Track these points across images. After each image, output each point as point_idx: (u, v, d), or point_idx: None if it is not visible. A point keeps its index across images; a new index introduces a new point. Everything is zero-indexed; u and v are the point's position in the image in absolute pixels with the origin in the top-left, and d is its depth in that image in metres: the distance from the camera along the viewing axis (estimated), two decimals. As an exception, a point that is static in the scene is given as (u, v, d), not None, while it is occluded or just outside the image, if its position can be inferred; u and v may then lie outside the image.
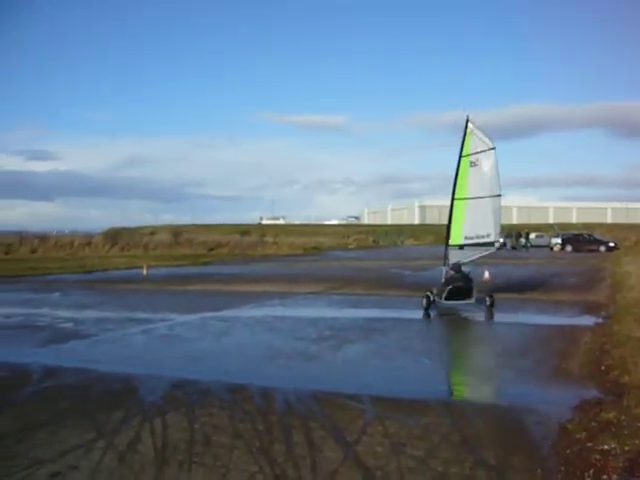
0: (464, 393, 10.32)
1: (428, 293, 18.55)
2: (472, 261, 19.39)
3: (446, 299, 18.30)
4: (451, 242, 19.20)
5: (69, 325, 16.05)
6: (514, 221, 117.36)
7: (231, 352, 13.02)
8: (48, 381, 10.00)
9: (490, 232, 18.81)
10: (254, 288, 26.36)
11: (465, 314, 17.89)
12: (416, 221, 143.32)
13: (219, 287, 27.35)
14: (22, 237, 69.00)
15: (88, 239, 73.41)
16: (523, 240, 64.79)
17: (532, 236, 71.13)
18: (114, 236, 76.67)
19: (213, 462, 6.38)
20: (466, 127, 18.78)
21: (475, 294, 18.53)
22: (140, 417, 7.92)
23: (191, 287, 27.26)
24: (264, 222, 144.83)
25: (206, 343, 13.69)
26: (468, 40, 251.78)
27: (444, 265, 19.31)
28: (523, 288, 24.08)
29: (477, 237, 18.92)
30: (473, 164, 18.68)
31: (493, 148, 18.66)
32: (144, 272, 35.35)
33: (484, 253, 19.28)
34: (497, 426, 7.68)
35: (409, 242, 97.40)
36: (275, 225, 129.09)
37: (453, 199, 19.05)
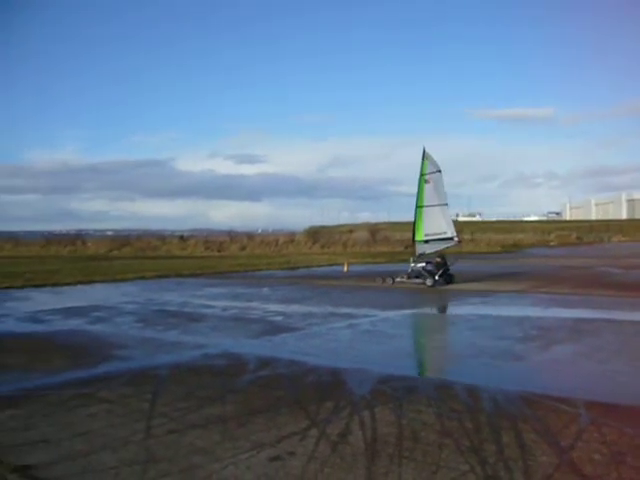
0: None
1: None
2: (436, 251, 26.60)
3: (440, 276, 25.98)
4: (416, 238, 26.81)
5: (279, 319, 16.92)
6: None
7: (436, 350, 12.99)
8: (263, 370, 10.63)
9: (445, 230, 26.55)
10: (451, 286, 26.08)
11: None
12: (623, 216, 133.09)
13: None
14: (232, 235, 74.06)
15: (291, 237, 77.01)
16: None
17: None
18: (315, 234, 79.56)
19: (423, 458, 6.40)
20: (423, 155, 26.82)
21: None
22: (349, 409, 8.14)
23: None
24: (460, 219, 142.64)
25: (410, 339, 13.77)
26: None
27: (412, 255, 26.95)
28: None
29: (435, 234, 26.53)
30: (427, 181, 26.67)
31: (440, 171, 26.79)
32: (345, 269, 36.35)
33: (445, 245, 26.84)
34: None
35: (616, 238, 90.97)
36: (471, 222, 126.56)
37: (416, 207, 26.81)
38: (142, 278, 30.76)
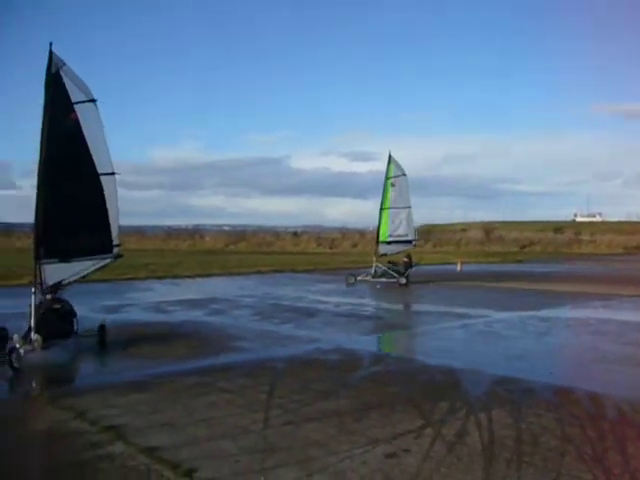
0: None
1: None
2: (397, 252, 27.65)
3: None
4: (380, 239, 27.61)
5: (390, 316, 16.95)
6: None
7: (553, 353, 12.58)
8: (376, 367, 10.68)
9: (407, 233, 27.96)
10: (569, 288, 25.19)
11: None
12: None
13: (533, 285, 26.64)
14: (344, 232, 74.58)
15: (403, 235, 76.53)
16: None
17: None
18: (427, 233, 78.82)
19: (543, 464, 6.22)
20: (389, 159, 27.58)
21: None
22: (465, 410, 8.03)
23: (504, 284, 26.92)
24: (578, 219, 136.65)
25: (526, 342, 13.39)
26: None
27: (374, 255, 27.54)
28: None
29: (398, 236, 27.67)
30: (392, 185, 27.49)
31: (404, 174, 27.92)
32: (458, 268, 35.82)
33: (405, 248, 27.99)
34: None
35: None
36: (590, 222, 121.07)
37: (381, 209, 27.68)
38: (258, 272, 31.58)
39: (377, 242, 27.88)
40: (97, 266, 12.01)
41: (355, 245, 67.98)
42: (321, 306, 19.00)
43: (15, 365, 9.96)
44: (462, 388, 9.22)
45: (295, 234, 79.49)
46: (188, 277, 29.23)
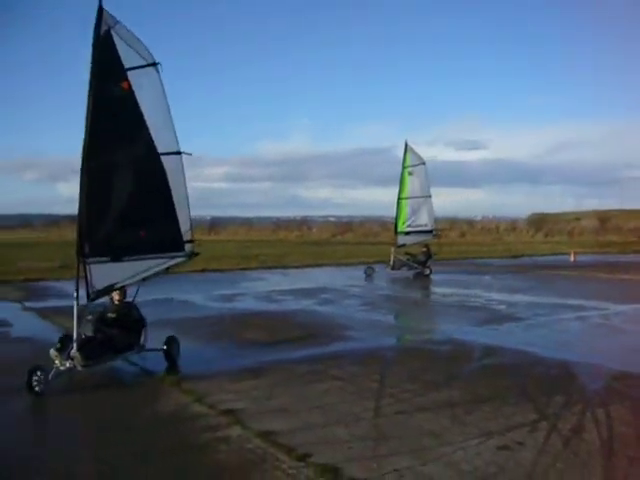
0: None
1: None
2: (417, 242, 26.81)
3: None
4: (398, 230, 26.88)
5: (502, 307, 16.59)
6: None
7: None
8: (488, 359, 10.53)
9: (426, 222, 27.20)
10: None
11: None
12: None
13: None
14: (452, 222, 73.46)
15: (512, 225, 74.61)
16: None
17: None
18: (537, 222, 76.32)
19: (668, 463, 5.98)
20: (406, 147, 27.16)
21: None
22: (581, 405, 7.80)
23: (621, 276, 25.72)
24: None
25: (647, 336, 12.80)
26: None
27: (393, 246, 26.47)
28: None
29: (417, 226, 26.99)
30: (410, 174, 27.01)
31: (424, 163, 27.38)
32: (571, 258, 34.57)
33: (424, 238, 27.18)
34: None
35: None
36: None
37: (399, 199, 26.98)
38: (364, 263, 31.69)
39: (395, 233, 27.21)
40: (163, 267, 10.01)
41: (463, 235, 66.89)
42: (430, 296, 18.88)
43: (37, 389, 8.27)
44: (578, 382, 8.96)
45: (402, 224, 78.98)
46: (297, 267, 29.76)
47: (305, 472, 5.77)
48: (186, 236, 10.22)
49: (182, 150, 10.03)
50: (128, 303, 10.26)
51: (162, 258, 9.97)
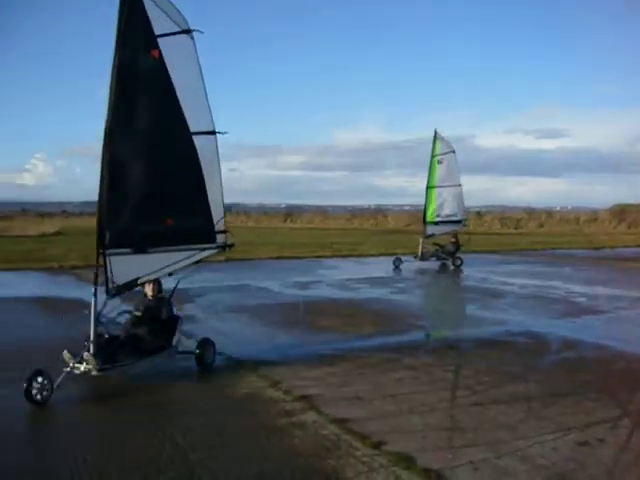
0: None
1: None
2: (444, 233, 25.98)
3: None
4: (427, 219, 26.08)
5: (582, 300, 16.14)
6: None
7: None
8: (567, 352, 10.28)
9: (456, 212, 26.35)
10: None
11: None
12: None
13: None
14: (529, 212, 71.77)
15: (593, 215, 72.22)
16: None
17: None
18: (621, 213, 73.55)
19: None
20: (435, 135, 26.34)
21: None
22: (667, 402, 7.54)
23: None
24: None
25: None
26: None
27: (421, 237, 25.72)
28: None
29: (446, 216, 26.12)
30: (439, 162, 26.15)
31: (453, 151, 26.58)
32: (657, 251, 33.27)
33: (453, 228, 26.24)
34: None
35: None
36: None
37: (427, 187, 26.15)
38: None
39: (424, 222, 26.32)
40: (191, 260, 9.04)
41: (541, 225, 65.24)
42: (507, 287, 18.54)
43: (37, 398, 7.25)
44: (665, 379, 8.64)
45: (478, 214, 77.67)
46: (372, 256, 29.72)
47: (379, 460, 5.78)
48: (219, 226, 9.29)
49: (217, 130, 9.08)
50: (160, 299, 9.26)
51: (191, 250, 8.99)
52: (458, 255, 25.35)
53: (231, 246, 9.54)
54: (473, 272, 22.93)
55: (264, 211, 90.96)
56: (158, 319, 8.98)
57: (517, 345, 10.86)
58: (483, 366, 9.22)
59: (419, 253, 25.31)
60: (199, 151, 8.87)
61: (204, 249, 9.18)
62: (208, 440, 6.33)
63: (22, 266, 22.40)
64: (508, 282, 19.81)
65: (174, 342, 8.99)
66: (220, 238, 9.33)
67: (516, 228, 62.13)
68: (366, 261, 27.90)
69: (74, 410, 7.46)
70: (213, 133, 9.04)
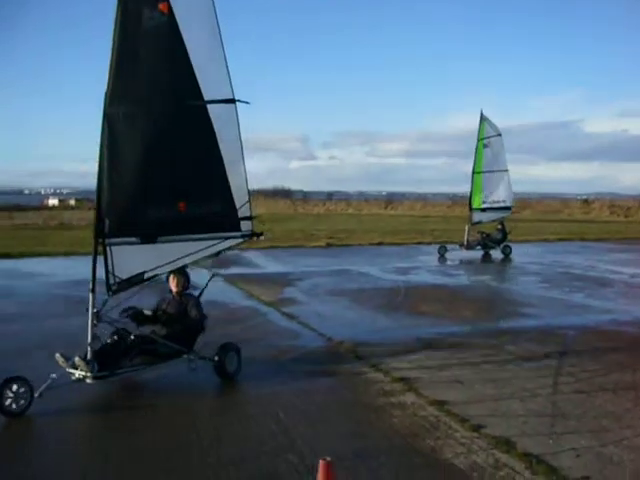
0: None
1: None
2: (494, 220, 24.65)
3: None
4: (474, 206, 24.55)
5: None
6: None
7: None
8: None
9: (504, 198, 24.84)
10: None
11: None
12: None
13: None
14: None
15: None
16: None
17: None
18: None
19: None
20: (481, 117, 24.76)
21: None
22: None
23: None
24: None
25: None
26: None
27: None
28: None
29: (493, 202, 24.69)
30: (485, 146, 24.69)
31: (500, 134, 25.00)
32: None
33: (502, 215, 24.85)
34: None
35: None
36: None
37: (473, 172, 24.63)
38: (544, 240, 30.49)
39: (470, 209, 24.81)
40: (211, 251, 7.81)
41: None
42: (615, 276, 17.83)
43: (13, 408, 6.32)
44: None
45: (585, 201, 74.71)
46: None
47: (478, 442, 5.79)
48: (242, 212, 7.88)
49: (238, 98, 7.62)
50: (187, 296, 8.08)
51: (210, 239, 7.72)
52: (507, 243, 24.14)
53: (259, 235, 8.21)
54: (579, 260, 22.16)
55: (365, 198, 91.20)
56: (181, 320, 7.84)
57: (624, 334, 10.48)
58: (588, 354, 8.99)
59: (464, 241, 24.00)
60: (215, 123, 7.51)
61: (226, 238, 7.89)
62: (309, 417, 6.53)
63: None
64: (616, 271, 19.04)
65: (196, 347, 7.89)
66: (245, 225, 7.97)
67: (626, 216, 59.26)
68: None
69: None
70: (232, 102, 7.57)
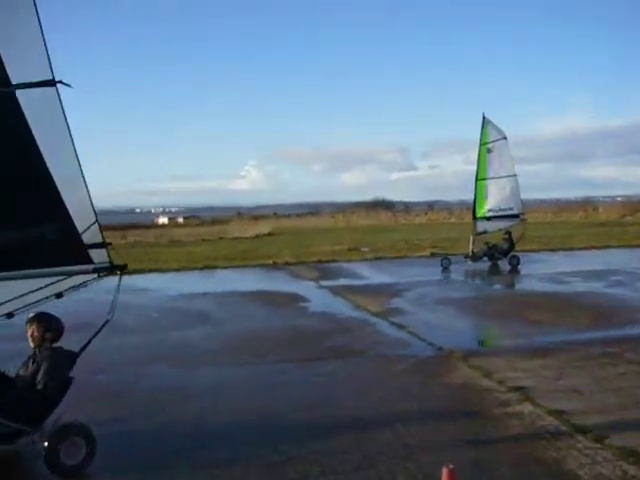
0: None
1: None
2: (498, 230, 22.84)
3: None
4: (478, 215, 23.25)
5: None
6: None
7: None
8: None
9: (512, 206, 23.09)
10: None
11: None
12: None
13: None
14: None
15: None
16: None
17: None
18: None
19: None
20: (483, 121, 23.37)
21: None
22: None
23: None
24: None
25: None
26: None
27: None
28: None
29: (500, 210, 22.98)
30: (489, 151, 23.33)
31: (505, 138, 23.40)
32: None
33: (510, 223, 23.09)
34: None
35: None
36: None
37: (476, 180, 23.37)
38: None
39: (474, 218, 23.30)
40: (46, 294, 5.69)
41: None
42: None
43: None
44: None
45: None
46: (582, 249, 28.16)
47: (603, 454, 5.62)
48: (90, 237, 5.62)
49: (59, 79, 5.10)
50: (48, 355, 5.71)
51: (40, 276, 5.47)
52: (514, 254, 22.42)
53: (123, 268, 5.76)
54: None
55: (466, 207, 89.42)
56: (29, 387, 5.64)
57: None
58: None
59: (470, 252, 22.51)
60: (30, 118, 5.08)
61: (68, 274, 5.69)
62: (425, 426, 6.52)
63: (241, 263, 24.22)
64: None
65: (44, 424, 5.64)
66: (98, 256, 5.65)
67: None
68: (577, 254, 26.47)
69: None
70: (53, 84, 5.11)
